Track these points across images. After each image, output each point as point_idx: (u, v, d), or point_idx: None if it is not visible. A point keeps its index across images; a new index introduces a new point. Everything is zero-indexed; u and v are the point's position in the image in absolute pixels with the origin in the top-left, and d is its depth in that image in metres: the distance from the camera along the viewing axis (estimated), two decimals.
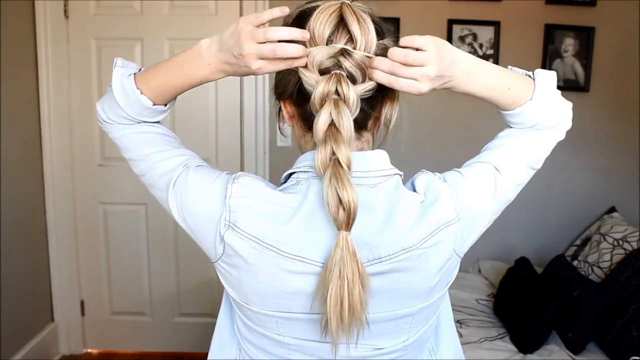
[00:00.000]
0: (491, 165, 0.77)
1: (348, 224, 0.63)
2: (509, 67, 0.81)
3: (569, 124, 0.81)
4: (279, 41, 0.64)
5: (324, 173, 0.64)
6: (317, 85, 0.65)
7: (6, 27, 2.15)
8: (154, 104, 0.75)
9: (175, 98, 0.78)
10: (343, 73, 0.65)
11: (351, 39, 0.66)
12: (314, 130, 0.65)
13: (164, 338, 2.66)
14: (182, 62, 0.72)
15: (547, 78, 0.77)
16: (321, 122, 0.64)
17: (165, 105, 0.78)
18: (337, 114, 0.64)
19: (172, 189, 0.73)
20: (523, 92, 0.75)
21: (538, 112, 0.76)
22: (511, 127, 0.80)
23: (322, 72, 0.66)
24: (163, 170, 0.75)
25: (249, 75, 0.69)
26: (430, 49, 0.65)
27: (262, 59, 0.65)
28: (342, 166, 0.64)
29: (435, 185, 0.72)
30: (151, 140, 0.77)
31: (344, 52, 0.65)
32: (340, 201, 0.62)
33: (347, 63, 0.66)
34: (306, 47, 0.66)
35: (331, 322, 0.63)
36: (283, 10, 0.66)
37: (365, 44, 0.66)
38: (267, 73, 0.67)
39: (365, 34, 0.65)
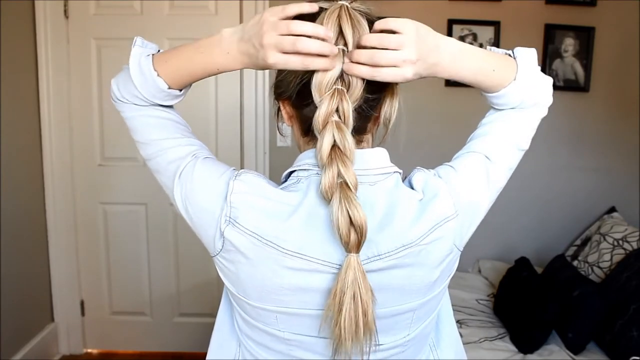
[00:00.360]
0: (481, 154, 0.77)
1: (358, 246, 0.64)
2: (488, 47, 0.82)
3: (550, 100, 0.81)
4: (302, 35, 0.63)
5: (332, 197, 0.64)
6: (321, 104, 0.65)
7: (6, 27, 2.15)
8: (169, 88, 0.75)
9: (190, 85, 0.78)
10: (344, 89, 0.65)
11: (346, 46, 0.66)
12: (317, 152, 0.66)
13: (164, 338, 2.66)
14: (202, 48, 0.72)
15: (528, 56, 0.78)
16: (325, 145, 0.64)
17: (180, 90, 0.77)
18: (340, 136, 0.64)
19: (179, 179, 0.73)
20: (507, 73, 0.75)
21: (522, 91, 0.76)
22: (494, 110, 0.81)
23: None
24: (171, 158, 0.75)
25: (265, 69, 0.69)
26: (408, 31, 0.64)
27: (281, 52, 0.63)
28: (350, 189, 0.64)
29: (433, 182, 0.73)
30: (161, 125, 0.77)
31: (343, 53, 0.65)
32: (352, 223, 0.63)
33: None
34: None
35: (346, 342, 0.64)
36: (312, 7, 0.65)
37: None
38: (282, 69, 0.66)
39: (356, 37, 0.65)
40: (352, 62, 0.65)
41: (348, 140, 0.64)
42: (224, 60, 0.70)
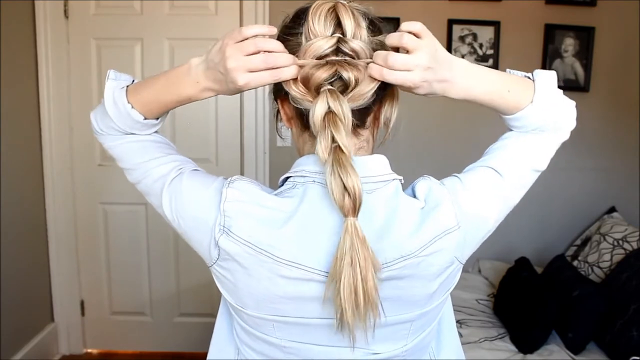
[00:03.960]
0: (492, 169, 0.75)
1: (355, 209, 0.63)
2: (507, 70, 0.80)
3: (573, 124, 0.78)
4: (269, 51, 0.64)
5: (325, 162, 0.64)
6: (316, 106, 0.65)
7: (6, 27, 2.15)
8: (145, 118, 0.75)
9: (167, 112, 0.78)
10: (334, 88, 0.65)
11: (344, 34, 0.66)
12: (311, 122, 0.65)
13: (164, 338, 2.66)
14: (172, 78, 0.72)
15: (547, 79, 0.75)
16: (318, 111, 0.64)
17: (157, 119, 0.78)
18: (335, 102, 0.64)
19: (165, 193, 0.73)
20: (523, 95, 0.73)
21: (540, 114, 0.74)
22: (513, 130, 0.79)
23: (320, 57, 0.66)
24: (156, 177, 0.75)
25: (237, 93, 0.69)
26: (427, 37, 0.65)
27: (249, 71, 0.64)
28: (343, 152, 0.63)
29: (436, 191, 0.71)
30: (142, 148, 0.77)
31: (340, 40, 0.65)
32: (345, 188, 0.62)
33: (345, 47, 0.65)
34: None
35: (346, 312, 0.62)
36: (271, 29, 0.66)
37: (355, 36, 0.66)
38: (253, 88, 0.67)
39: (358, 29, 0.66)
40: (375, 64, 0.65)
41: (342, 107, 0.64)
42: (194, 90, 0.71)
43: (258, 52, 0.64)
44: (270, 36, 0.68)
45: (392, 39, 0.65)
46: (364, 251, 0.62)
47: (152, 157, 0.76)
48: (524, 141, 0.77)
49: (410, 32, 0.65)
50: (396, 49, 0.65)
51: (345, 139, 0.63)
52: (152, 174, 0.75)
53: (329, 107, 0.64)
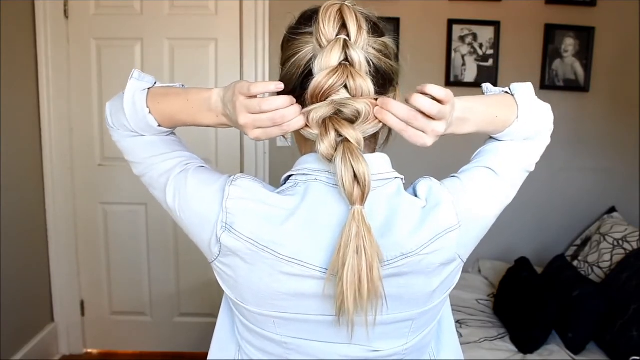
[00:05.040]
0: (489, 169, 0.77)
1: (362, 198, 0.63)
2: (483, 85, 0.83)
3: (551, 127, 0.82)
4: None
5: (334, 154, 0.64)
6: (316, 109, 0.65)
7: (6, 27, 2.15)
8: (159, 126, 0.76)
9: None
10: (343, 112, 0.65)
11: (348, 37, 0.66)
12: (311, 121, 0.66)
13: (164, 338, 2.66)
14: (192, 102, 0.73)
15: (526, 92, 0.78)
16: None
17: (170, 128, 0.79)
18: (350, 51, 0.64)
19: (170, 187, 0.74)
20: (509, 114, 0.76)
21: (526, 127, 0.77)
22: None
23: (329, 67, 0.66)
24: (161, 171, 0.76)
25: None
26: (449, 104, 0.66)
27: (259, 128, 0.66)
28: (352, 143, 0.64)
29: (437, 191, 0.72)
30: (150, 144, 0.78)
31: (346, 43, 0.65)
32: (355, 176, 0.63)
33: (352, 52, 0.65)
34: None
35: (348, 300, 0.62)
36: (278, 86, 0.66)
37: (358, 41, 0.66)
38: (264, 140, 0.68)
39: (360, 31, 0.66)
40: (384, 109, 0.65)
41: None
42: (212, 121, 0.73)
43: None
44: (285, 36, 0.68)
45: (424, 104, 0.64)
46: (370, 238, 0.62)
47: (159, 152, 0.77)
48: (514, 145, 0.79)
49: (435, 97, 0.64)
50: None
51: (352, 133, 0.65)
52: (158, 168, 0.76)
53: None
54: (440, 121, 0.65)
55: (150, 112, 0.74)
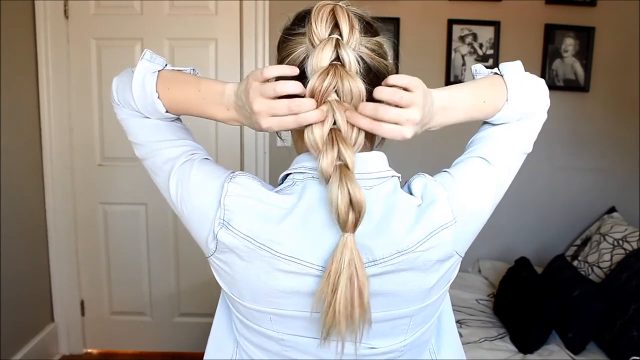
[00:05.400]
0: (482, 158, 0.77)
1: (355, 226, 0.63)
2: (472, 67, 0.82)
3: (547, 102, 0.80)
4: (289, 95, 0.63)
5: (331, 177, 0.64)
6: (313, 77, 0.64)
7: (6, 27, 2.16)
8: (166, 111, 0.75)
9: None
10: (336, 98, 0.65)
11: (341, 36, 0.66)
12: (309, 138, 0.65)
13: (164, 338, 2.66)
14: (204, 93, 0.72)
15: (515, 71, 0.77)
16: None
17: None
18: (342, 51, 0.64)
19: (173, 177, 0.73)
20: (498, 98, 0.75)
21: (518, 108, 0.76)
22: None
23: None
24: (165, 158, 0.75)
25: (260, 131, 0.69)
26: (418, 90, 0.65)
27: (275, 115, 0.64)
28: (349, 169, 0.64)
29: (432, 188, 0.72)
30: (155, 127, 0.77)
31: (338, 42, 0.65)
32: (351, 202, 0.62)
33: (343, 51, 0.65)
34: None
35: (340, 325, 0.63)
36: (293, 70, 0.65)
37: (350, 40, 0.65)
38: (275, 131, 0.67)
39: (352, 31, 0.65)
40: (354, 112, 0.65)
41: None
42: (222, 116, 0.72)
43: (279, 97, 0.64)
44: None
45: (383, 93, 0.64)
46: (360, 267, 0.63)
47: (164, 138, 0.76)
48: (509, 128, 0.78)
49: (400, 86, 0.64)
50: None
51: (351, 157, 0.64)
52: (162, 154, 0.75)
53: (335, 123, 0.65)
54: (413, 108, 0.64)
55: (159, 97, 0.73)
